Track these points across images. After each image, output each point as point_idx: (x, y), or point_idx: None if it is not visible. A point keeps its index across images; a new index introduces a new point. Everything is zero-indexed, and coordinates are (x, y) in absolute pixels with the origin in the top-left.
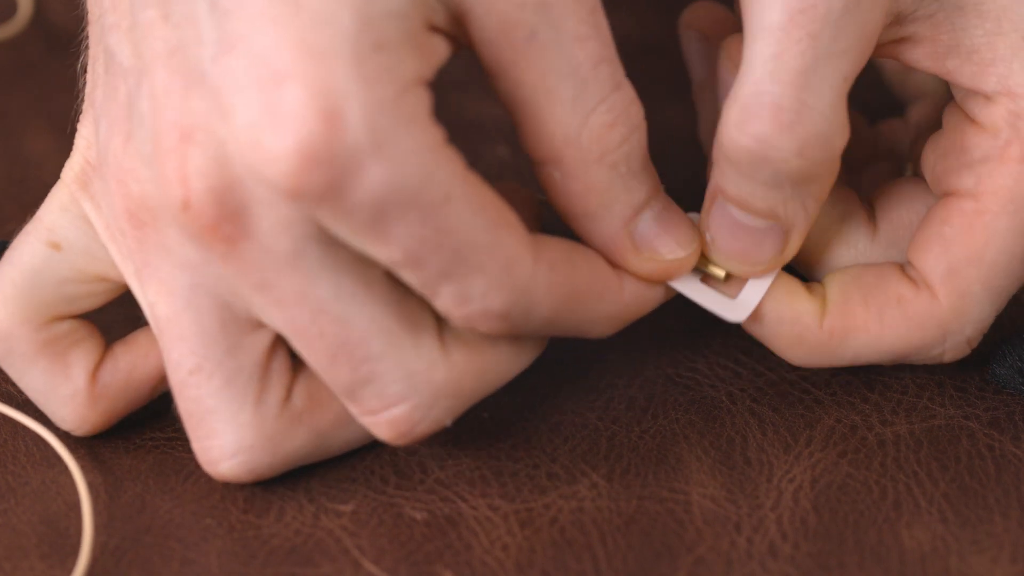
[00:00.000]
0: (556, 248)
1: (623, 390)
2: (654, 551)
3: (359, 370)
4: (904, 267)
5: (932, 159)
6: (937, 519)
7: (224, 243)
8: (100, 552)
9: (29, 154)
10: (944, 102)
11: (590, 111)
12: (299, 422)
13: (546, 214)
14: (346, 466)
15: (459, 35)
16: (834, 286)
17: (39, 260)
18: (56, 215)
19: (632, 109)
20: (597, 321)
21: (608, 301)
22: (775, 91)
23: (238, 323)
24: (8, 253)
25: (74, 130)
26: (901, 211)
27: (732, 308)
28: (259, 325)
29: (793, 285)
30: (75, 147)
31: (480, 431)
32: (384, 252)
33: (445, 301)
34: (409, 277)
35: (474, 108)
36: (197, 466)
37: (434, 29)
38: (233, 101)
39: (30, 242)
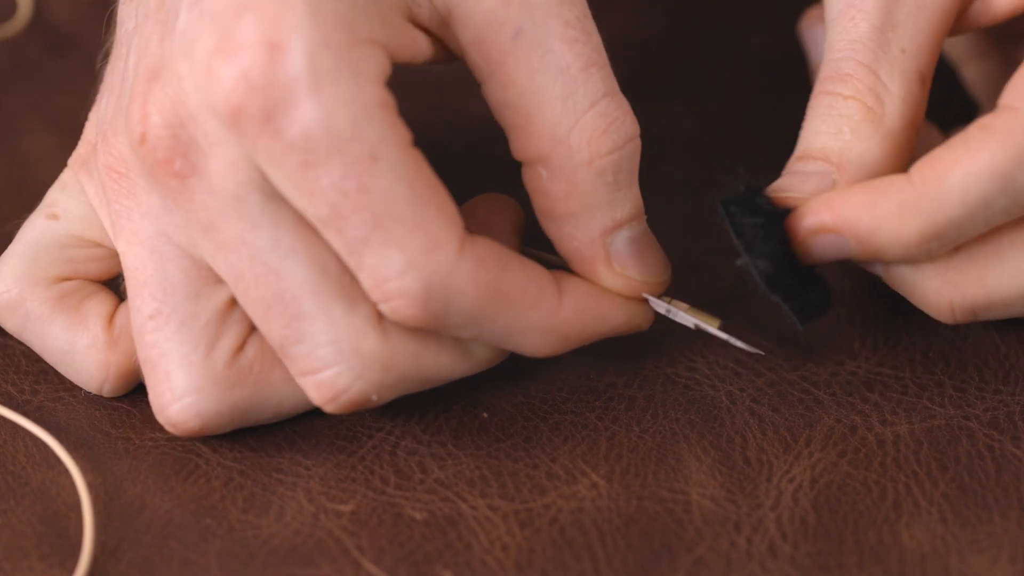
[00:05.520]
0: (488, 246)
1: (623, 390)
2: (654, 551)
3: (290, 326)
4: None
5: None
6: (937, 519)
7: (175, 179)
8: (100, 552)
9: (29, 154)
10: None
11: (582, 112)
12: (248, 372)
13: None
14: (346, 466)
15: (445, 38)
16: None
17: (39, 231)
18: (56, 193)
19: (627, 120)
20: (529, 331)
21: (541, 311)
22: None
23: (200, 273)
24: (16, 235)
25: (74, 128)
26: None
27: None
28: (221, 280)
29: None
30: (83, 135)
31: (480, 431)
32: (312, 204)
33: (367, 278)
34: (335, 240)
35: (474, 108)
36: (197, 466)
37: (416, 23)
38: (197, 35)
39: (32, 220)
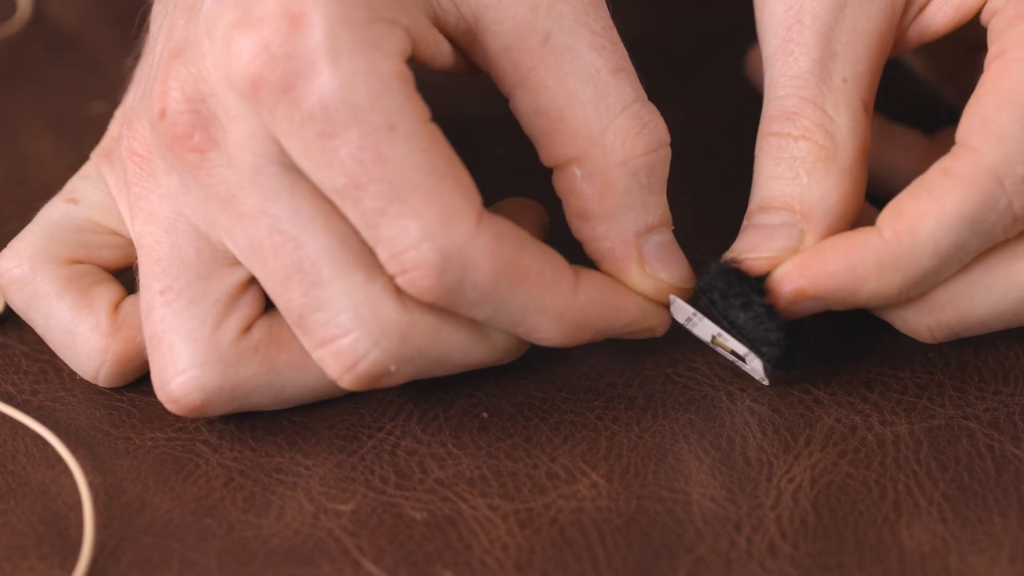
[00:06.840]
0: (506, 225)
1: (623, 390)
2: (654, 551)
3: (309, 294)
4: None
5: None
6: (937, 519)
7: (194, 153)
8: (100, 552)
9: (29, 154)
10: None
11: (615, 114)
12: (254, 352)
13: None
14: (346, 466)
15: (472, 49)
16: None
17: (57, 213)
18: (77, 181)
19: (659, 124)
20: (542, 313)
21: (556, 294)
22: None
23: (214, 254)
24: (35, 218)
25: (74, 128)
26: None
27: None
28: (236, 262)
29: (841, 233)
30: (107, 129)
31: (480, 431)
32: (329, 176)
33: (384, 250)
34: (352, 212)
35: (474, 108)
36: (197, 466)
37: (441, 30)
38: (220, 13)
39: (51, 203)
